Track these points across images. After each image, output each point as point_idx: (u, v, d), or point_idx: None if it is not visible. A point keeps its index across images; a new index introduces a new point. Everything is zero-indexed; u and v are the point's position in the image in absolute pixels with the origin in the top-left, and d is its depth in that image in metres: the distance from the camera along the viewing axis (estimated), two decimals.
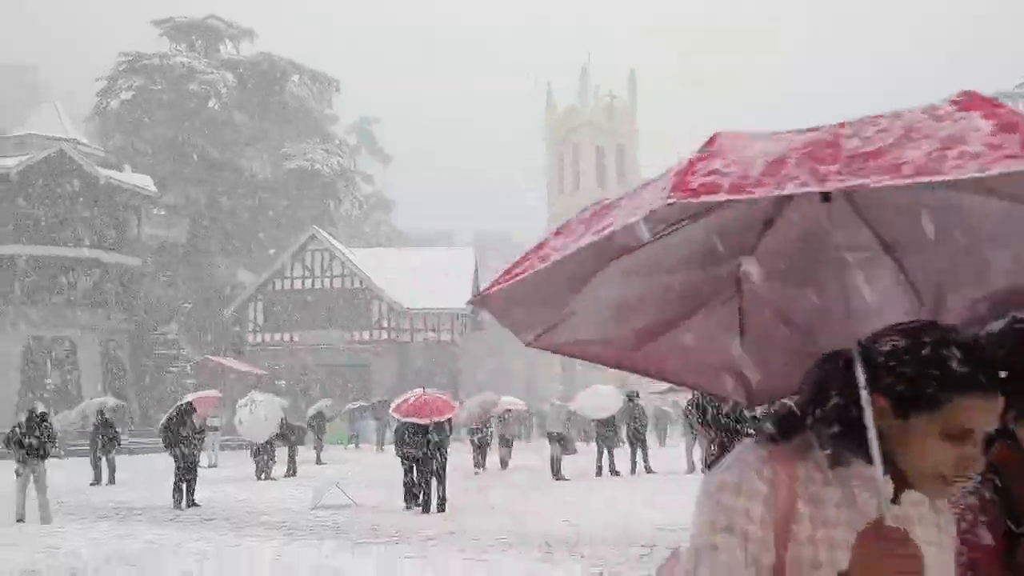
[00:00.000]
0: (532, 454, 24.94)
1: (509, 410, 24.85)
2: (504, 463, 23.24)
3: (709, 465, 13.87)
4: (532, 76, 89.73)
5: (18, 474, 13.28)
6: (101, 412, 21.87)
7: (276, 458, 21.81)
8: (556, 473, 19.76)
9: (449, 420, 13.86)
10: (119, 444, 21.38)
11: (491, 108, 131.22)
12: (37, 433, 13.38)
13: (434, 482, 13.58)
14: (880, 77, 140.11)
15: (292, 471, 21.85)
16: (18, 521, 13.06)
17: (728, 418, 13.24)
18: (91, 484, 19.79)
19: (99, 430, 20.75)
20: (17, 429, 13.44)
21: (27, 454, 13.17)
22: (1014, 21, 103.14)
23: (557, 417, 21.24)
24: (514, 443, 24.69)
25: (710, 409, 12.77)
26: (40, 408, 14.24)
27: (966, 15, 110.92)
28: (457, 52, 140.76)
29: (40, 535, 11.77)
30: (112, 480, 20.01)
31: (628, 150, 74.36)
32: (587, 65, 74.28)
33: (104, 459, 20.31)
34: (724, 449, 13.30)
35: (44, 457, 13.39)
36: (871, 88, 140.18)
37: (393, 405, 14.23)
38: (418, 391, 14.37)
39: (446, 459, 13.77)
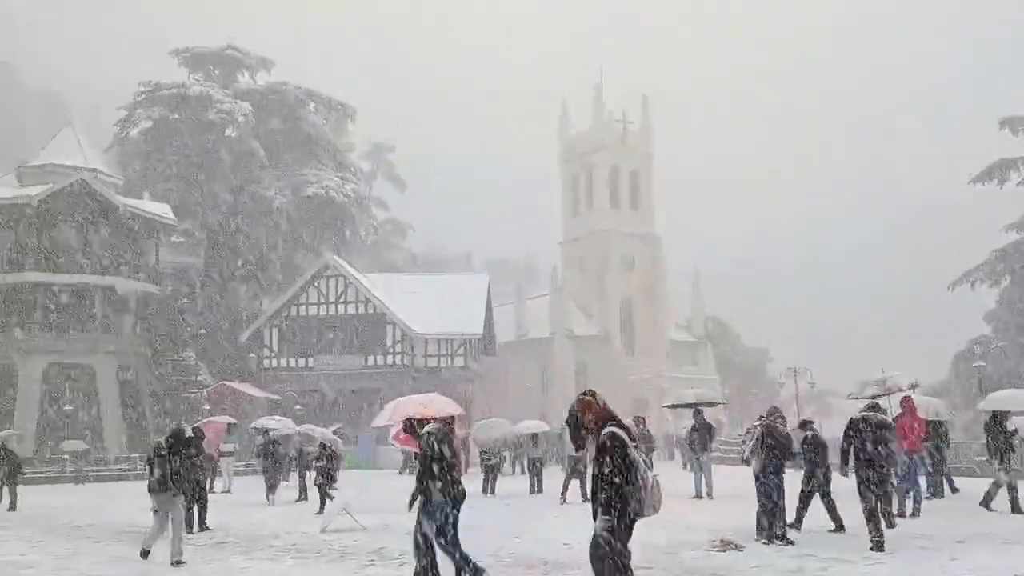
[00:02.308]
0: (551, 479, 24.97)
1: (535, 434, 25.01)
2: (534, 487, 23.05)
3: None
4: (547, 97, 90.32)
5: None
6: (4, 445, 22.77)
7: (287, 478, 22.15)
8: (564, 495, 19.96)
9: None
10: (23, 473, 23.06)
11: (506, 130, 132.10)
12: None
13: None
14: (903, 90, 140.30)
15: (303, 496, 22.21)
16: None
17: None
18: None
19: (3, 460, 21.98)
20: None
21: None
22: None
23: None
24: (543, 468, 24.31)
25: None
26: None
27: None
28: (470, 75, 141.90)
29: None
30: (13, 507, 20.81)
31: (643, 174, 74.68)
32: (600, 83, 74.68)
33: (7, 487, 21.54)
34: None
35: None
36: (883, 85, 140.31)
37: (392, 432, 14.53)
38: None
39: None
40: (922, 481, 16.71)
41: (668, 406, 28.25)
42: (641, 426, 22.10)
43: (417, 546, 8.89)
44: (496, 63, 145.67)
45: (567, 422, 6.91)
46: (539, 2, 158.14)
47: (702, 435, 19.95)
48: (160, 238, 45.46)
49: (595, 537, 6.46)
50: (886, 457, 11.43)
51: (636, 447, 6.58)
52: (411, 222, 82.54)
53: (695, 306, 74.62)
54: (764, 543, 11.79)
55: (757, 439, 12.09)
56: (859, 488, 11.40)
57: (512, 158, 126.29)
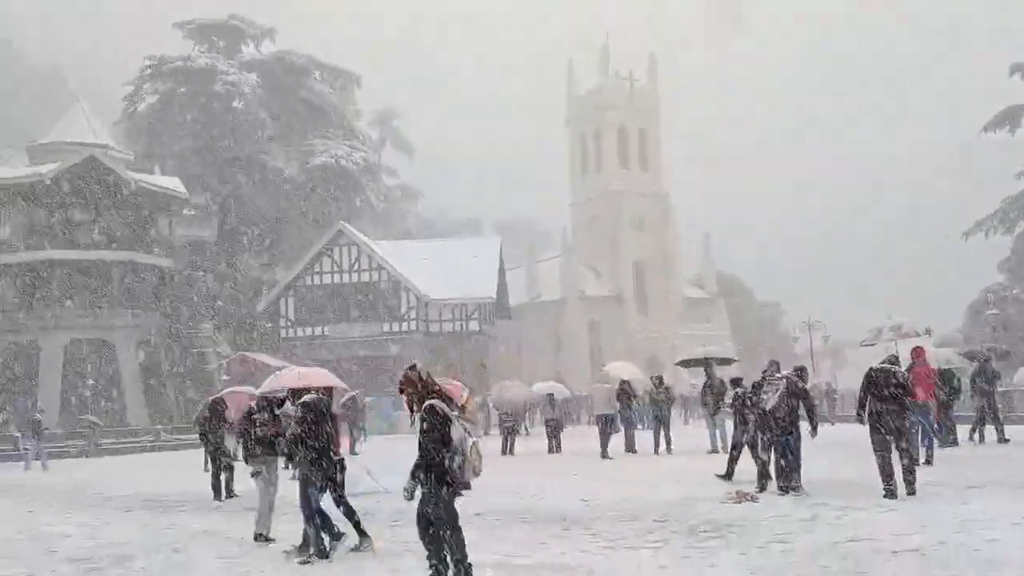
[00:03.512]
0: (571, 440, 25.28)
1: (551, 395, 25.32)
2: (552, 447, 23.31)
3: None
4: (553, 57, 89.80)
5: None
6: None
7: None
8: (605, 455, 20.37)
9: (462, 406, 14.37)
10: None
11: (513, 91, 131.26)
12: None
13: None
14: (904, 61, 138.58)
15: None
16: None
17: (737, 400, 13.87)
18: None
19: None
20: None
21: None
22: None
23: (603, 399, 21.56)
24: (562, 428, 24.67)
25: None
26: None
27: None
28: (475, 36, 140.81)
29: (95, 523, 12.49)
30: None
31: (650, 133, 74.40)
32: (607, 44, 74.18)
33: None
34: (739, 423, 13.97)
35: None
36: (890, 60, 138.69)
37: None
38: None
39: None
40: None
41: (680, 363, 28.52)
42: (659, 384, 22.34)
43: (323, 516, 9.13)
44: (501, 25, 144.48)
45: (400, 392, 7.44)
46: None
47: (715, 391, 20.16)
48: (172, 212, 45.69)
49: (419, 504, 7.03)
50: (901, 408, 11.60)
51: (458, 417, 7.09)
52: (420, 188, 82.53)
53: (706, 263, 74.64)
54: (779, 494, 12.02)
55: (782, 393, 12.17)
56: (872, 438, 11.60)
57: (519, 121, 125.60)
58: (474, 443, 7.02)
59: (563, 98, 76.77)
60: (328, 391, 10.14)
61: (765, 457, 12.51)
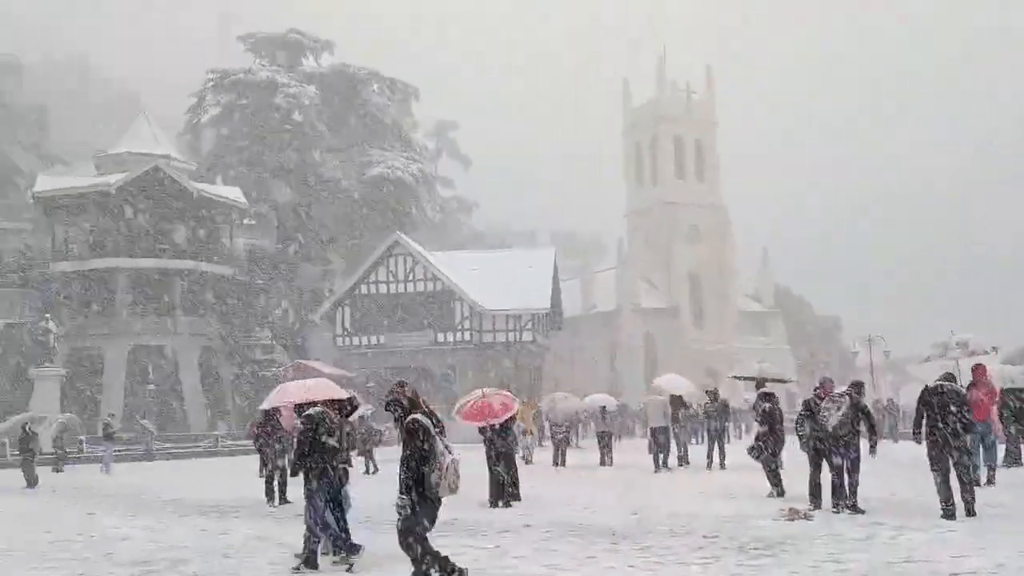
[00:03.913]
0: (624, 453, 25.18)
1: (604, 407, 25.18)
2: (604, 460, 23.21)
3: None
4: (609, 70, 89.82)
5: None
6: (27, 427, 23.90)
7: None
8: (659, 466, 20.22)
9: (512, 418, 14.44)
10: (37, 455, 23.53)
11: (570, 104, 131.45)
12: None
13: (503, 477, 14.26)
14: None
15: (373, 469, 22.99)
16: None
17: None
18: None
19: (26, 442, 22.90)
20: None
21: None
22: None
23: (658, 412, 21.20)
24: (613, 441, 24.56)
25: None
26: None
27: None
28: (532, 51, 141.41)
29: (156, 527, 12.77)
30: (31, 485, 21.62)
31: (707, 143, 73.89)
32: (663, 57, 73.91)
33: (24, 468, 22.37)
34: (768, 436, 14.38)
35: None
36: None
37: (455, 408, 14.80)
38: (477, 393, 14.81)
39: (508, 456, 14.38)
40: (1002, 449, 16.48)
41: (736, 377, 28.19)
42: (714, 398, 22.10)
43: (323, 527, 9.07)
44: (556, 38, 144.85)
45: (387, 408, 7.71)
46: None
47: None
48: (233, 222, 46.54)
49: (398, 514, 7.22)
50: (960, 426, 11.32)
51: (439, 433, 7.31)
52: (476, 199, 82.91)
53: (763, 275, 73.75)
54: (833, 512, 11.82)
55: (846, 410, 11.88)
56: (930, 456, 11.34)
57: (575, 132, 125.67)
58: (452, 460, 7.23)
59: (619, 109, 76.68)
60: (346, 402, 10.09)
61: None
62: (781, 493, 14.05)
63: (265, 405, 12.21)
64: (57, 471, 26.37)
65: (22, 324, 40.62)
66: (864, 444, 12.12)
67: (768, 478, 14.54)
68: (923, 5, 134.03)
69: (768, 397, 14.93)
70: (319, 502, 9.03)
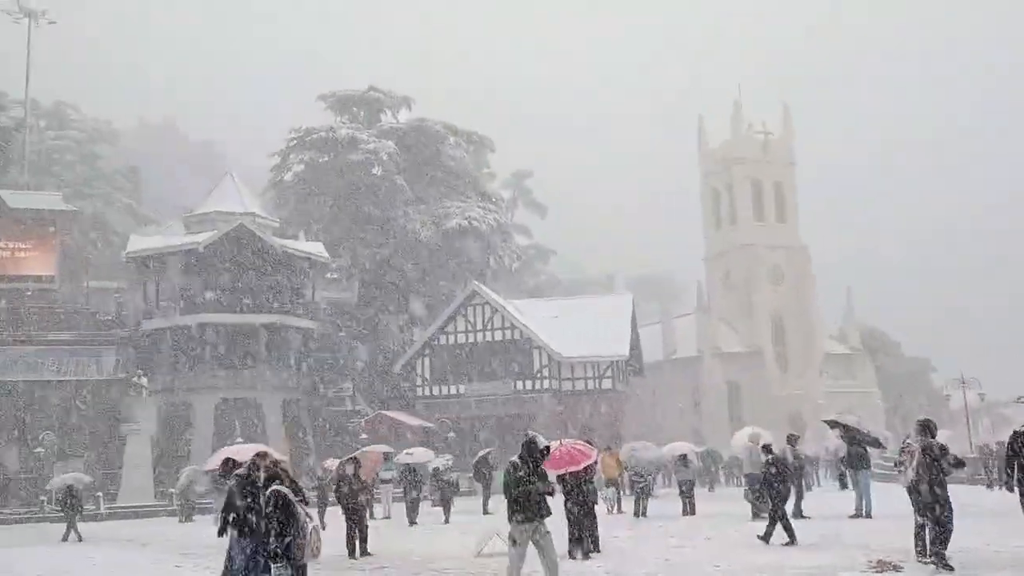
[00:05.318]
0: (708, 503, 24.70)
1: (684, 455, 24.85)
2: (686, 509, 22.88)
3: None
4: (684, 112, 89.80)
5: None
6: (71, 487, 24.64)
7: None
8: (757, 515, 19.23)
9: (590, 467, 14.37)
10: (82, 511, 24.95)
11: (644, 148, 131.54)
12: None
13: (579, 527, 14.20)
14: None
15: (445, 519, 23.39)
16: None
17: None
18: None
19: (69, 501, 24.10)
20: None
21: None
22: None
23: (752, 459, 20.21)
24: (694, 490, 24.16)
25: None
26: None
27: None
28: (604, 97, 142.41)
29: None
30: (78, 538, 22.95)
31: (786, 184, 73.02)
32: (739, 100, 73.61)
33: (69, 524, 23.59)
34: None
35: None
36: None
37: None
38: (555, 443, 14.81)
39: (588, 506, 14.30)
40: None
41: (827, 421, 27.45)
42: (794, 445, 21.61)
43: None
44: (629, 83, 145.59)
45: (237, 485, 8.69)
46: (667, 21, 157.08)
47: (859, 452, 19.38)
48: (316, 276, 47.60)
49: None
50: None
51: (300, 501, 7.85)
52: (553, 247, 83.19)
53: (849, 316, 72.09)
54: (923, 563, 11.42)
55: (918, 461, 11.56)
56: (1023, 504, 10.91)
57: (651, 177, 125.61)
58: (314, 527, 7.80)
59: (695, 152, 76.45)
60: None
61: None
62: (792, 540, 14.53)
63: (209, 465, 12.54)
64: (186, 520, 27.61)
65: (116, 380, 41.95)
66: (954, 488, 11.72)
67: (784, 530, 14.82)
68: (998, 26, 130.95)
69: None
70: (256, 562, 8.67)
